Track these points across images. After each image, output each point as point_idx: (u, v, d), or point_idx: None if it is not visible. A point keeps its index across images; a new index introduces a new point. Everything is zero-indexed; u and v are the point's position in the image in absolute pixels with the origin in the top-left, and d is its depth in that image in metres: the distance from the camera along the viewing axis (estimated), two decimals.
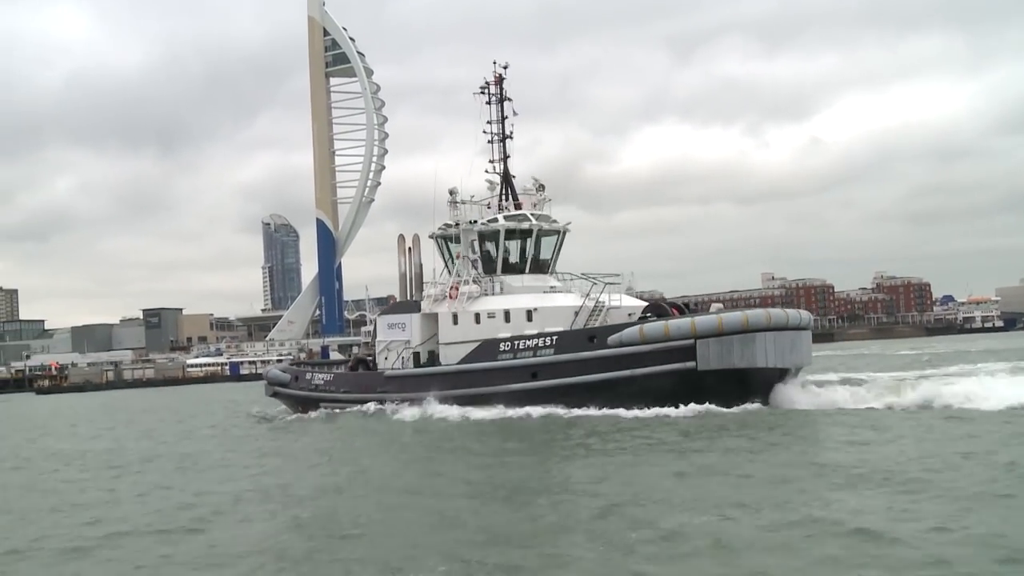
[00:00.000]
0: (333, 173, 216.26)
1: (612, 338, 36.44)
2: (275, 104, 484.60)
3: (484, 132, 46.04)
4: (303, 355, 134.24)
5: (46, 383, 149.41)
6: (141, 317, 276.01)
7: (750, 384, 34.36)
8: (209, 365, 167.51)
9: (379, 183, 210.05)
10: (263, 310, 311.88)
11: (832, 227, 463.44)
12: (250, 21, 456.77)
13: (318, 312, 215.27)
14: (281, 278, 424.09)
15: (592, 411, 35.47)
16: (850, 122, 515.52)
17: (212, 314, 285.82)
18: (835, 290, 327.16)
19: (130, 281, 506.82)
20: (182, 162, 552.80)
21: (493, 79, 45.97)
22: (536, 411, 36.76)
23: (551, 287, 42.63)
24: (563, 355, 37.64)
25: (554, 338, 38.30)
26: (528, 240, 43.34)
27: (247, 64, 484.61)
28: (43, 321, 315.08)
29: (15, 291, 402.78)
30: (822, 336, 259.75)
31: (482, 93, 46.13)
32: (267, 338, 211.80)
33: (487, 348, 40.40)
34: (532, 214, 43.69)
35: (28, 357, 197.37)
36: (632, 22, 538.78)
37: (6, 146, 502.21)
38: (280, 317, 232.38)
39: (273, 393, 53.48)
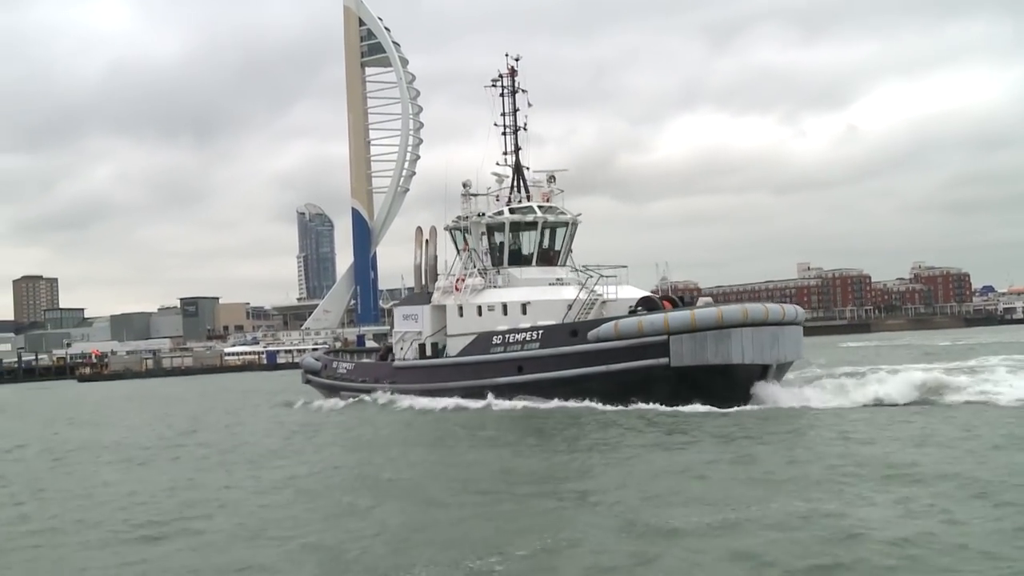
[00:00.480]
0: (368, 163, 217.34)
1: (591, 333, 36.12)
2: (310, 94, 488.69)
3: (496, 125, 46.23)
4: (338, 344, 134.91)
5: (87, 371, 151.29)
6: (179, 306, 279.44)
7: (726, 381, 33.48)
8: (246, 354, 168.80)
9: (414, 173, 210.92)
10: (298, 299, 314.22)
11: (869, 217, 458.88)
12: (287, 11, 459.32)
13: (353, 301, 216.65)
14: (316, 267, 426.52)
15: (571, 404, 35.31)
16: (888, 110, 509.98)
17: (248, 303, 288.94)
18: (872, 280, 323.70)
19: (166, 269, 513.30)
20: (218, 151, 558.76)
21: (507, 71, 46.10)
22: (502, 404, 37.25)
23: (557, 279, 42.29)
24: (546, 349, 37.52)
25: (540, 332, 38.19)
26: (533, 232, 43.25)
27: (283, 54, 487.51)
28: (83, 309, 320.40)
29: (55, 280, 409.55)
30: (858, 327, 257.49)
31: (494, 85, 46.29)
32: (303, 327, 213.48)
33: (482, 341, 40.65)
34: (539, 206, 43.60)
35: (69, 345, 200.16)
36: (668, 10, 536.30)
37: (48, 136, 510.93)
38: (315, 306, 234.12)
39: (307, 380, 55.49)
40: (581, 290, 40.01)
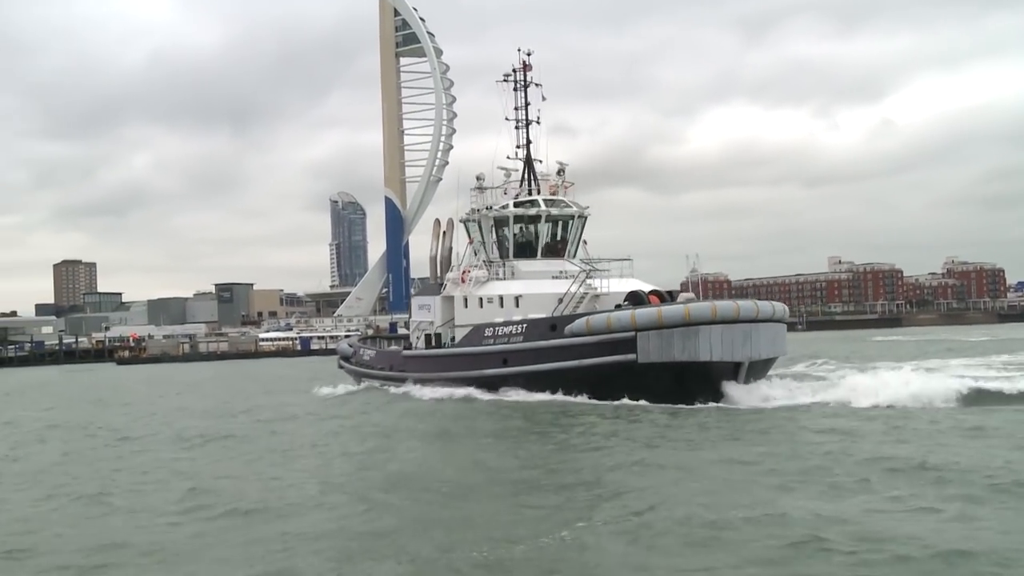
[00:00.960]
0: (402, 152, 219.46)
1: (567, 328, 36.46)
2: (345, 83, 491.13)
3: (507, 119, 46.53)
4: (370, 331, 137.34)
5: (126, 354, 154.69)
6: (214, 292, 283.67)
7: (694, 378, 33.33)
8: (281, 340, 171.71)
9: (447, 162, 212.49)
10: (331, 286, 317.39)
11: (902, 211, 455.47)
12: (324, 1, 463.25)
13: (385, 289, 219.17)
14: (348, 255, 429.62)
15: (555, 397, 35.97)
16: (924, 103, 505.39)
17: (282, 290, 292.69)
18: (904, 275, 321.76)
19: (201, 256, 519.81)
20: (253, 140, 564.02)
21: (520, 66, 46.39)
22: (459, 392, 38.89)
23: (561, 272, 42.08)
24: (528, 343, 38.07)
25: (524, 326, 38.67)
26: (537, 225, 43.59)
27: (319, 44, 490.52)
28: (121, 294, 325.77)
29: (94, 264, 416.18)
30: (889, 321, 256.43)
31: (506, 80, 46.62)
32: (335, 314, 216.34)
33: (476, 333, 41.56)
34: (545, 199, 43.87)
35: (107, 329, 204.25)
36: (703, 2, 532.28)
37: (89, 124, 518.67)
38: (347, 294, 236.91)
39: (340, 365, 57.67)
40: (573, 283, 40.12)
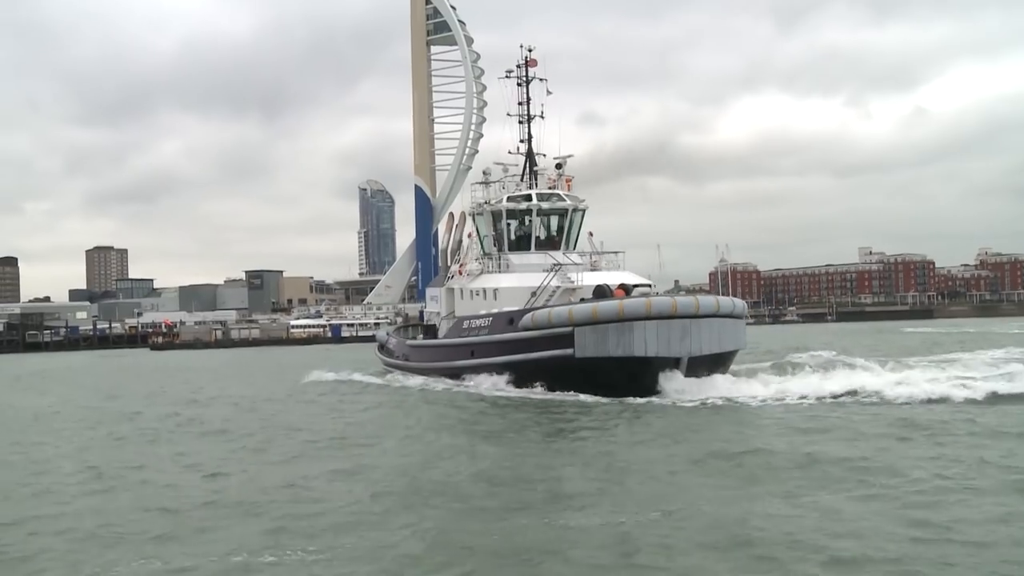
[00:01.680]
0: (432, 141, 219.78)
1: (520, 322, 37.01)
2: (375, 71, 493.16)
3: (509, 114, 47.10)
4: (399, 319, 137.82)
5: (159, 340, 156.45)
6: (244, 278, 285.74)
7: (629, 373, 33.54)
8: (312, 327, 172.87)
9: (476, 151, 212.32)
10: (360, 274, 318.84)
11: (934, 201, 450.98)
12: None
13: (415, 277, 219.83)
14: (376, 243, 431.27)
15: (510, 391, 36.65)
16: (960, 92, 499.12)
17: (312, 277, 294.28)
18: (936, 266, 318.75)
19: (230, 243, 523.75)
20: (283, 128, 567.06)
21: (523, 62, 46.79)
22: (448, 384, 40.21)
23: (554, 265, 41.90)
24: (491, 336, 38.93)
25: (490, 319, 39.50)
26: (528, 218, 43.73)
27: (351, 32, 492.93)
28: (152, 280, 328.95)
29: (125, 250, 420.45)
30: (920, 313, 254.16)
31: (508, 76, 47.12)
32: (364, 301, 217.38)
33: (456, 325, 42.64)
34: (539, 193, 44.07)
35: (140, 315, 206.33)
36: None
37: (121, 111, 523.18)
38: (376, 281, 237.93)
39: (378, 354, 58.87)
40: (547, 277, 40.45)
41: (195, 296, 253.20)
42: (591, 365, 34.34)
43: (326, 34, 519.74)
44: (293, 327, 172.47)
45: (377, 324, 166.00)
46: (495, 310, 40.17)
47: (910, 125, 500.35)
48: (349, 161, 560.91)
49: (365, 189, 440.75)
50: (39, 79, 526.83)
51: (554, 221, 44.12)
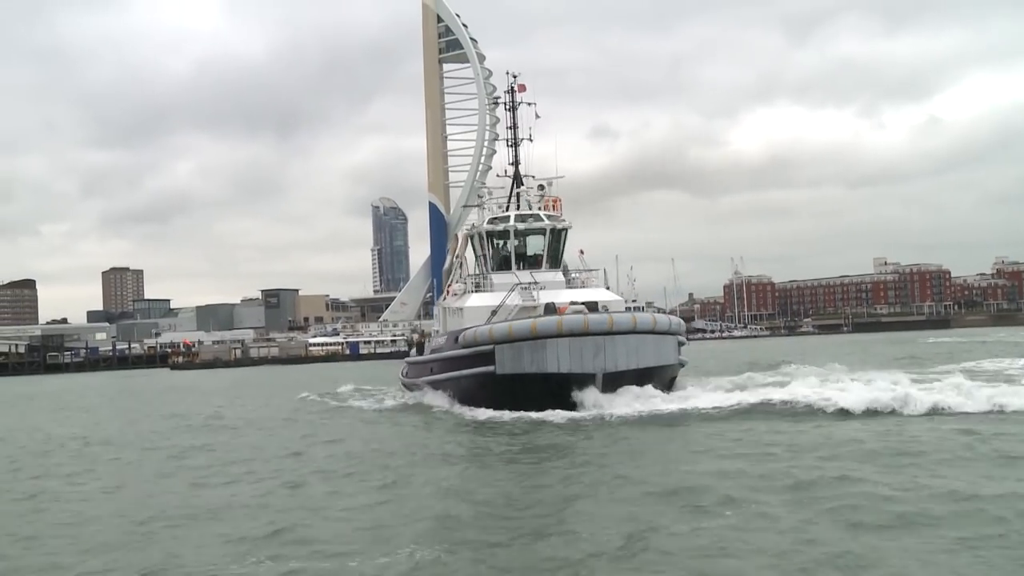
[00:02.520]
0: (445, 158, 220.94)
1: (459, 340, 38.33)
2: (388, 89, 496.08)
3: (498, 138, 49.10)
4: (415, 336, 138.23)
5: (179, 359, 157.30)
6: (260, 298, 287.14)
7: (545, 389, 34.41)
8: (330, 344, 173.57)
9: (490, 167, 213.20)
10: (375, 291, 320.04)
11: (949, 210, 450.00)
12: (368, 8, 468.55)
13: (430, 294, 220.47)
14: (390, 260, 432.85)
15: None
16: (973, 100, 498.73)
17: (328, 295, 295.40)
18: (952, 276, 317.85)
19: (243, 262, 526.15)
20: (296, 146, 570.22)
21: (515, 87, 48.27)
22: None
23: (530, 283, 42.29)
24: (443, 353, 40.63)
25: (445, 338, 41.44)
26: (507, 240, 44.43)
27: (363, 51, 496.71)
28: (169, 300, 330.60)
29: (141, 271, 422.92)
30: (937, 323, 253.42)
31: (496, 103, 49.01)
32: (380, 319, 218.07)
33: (431, 344, 45.19)
34: (516, 215, 45.00)
35: (158, 335, 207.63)
36: (749, 2, 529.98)
37: (136, 132, 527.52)
38: (391, 299, 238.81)
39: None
40: (508, 295, 41.36)
41: (212, 315, 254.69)
42: (511, 381, 35.39)
43: (339, 53, 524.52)
44: (312, 345, 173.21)
45: (394, 341, 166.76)
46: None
47: (924, 135, 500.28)
48: (361, 179, 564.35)
49: (378, 207, 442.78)
50: (57, 103, 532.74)
51: (534, 241, 44.85)
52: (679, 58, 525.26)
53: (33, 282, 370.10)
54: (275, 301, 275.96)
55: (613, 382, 34.63)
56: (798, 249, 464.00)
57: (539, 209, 45.98)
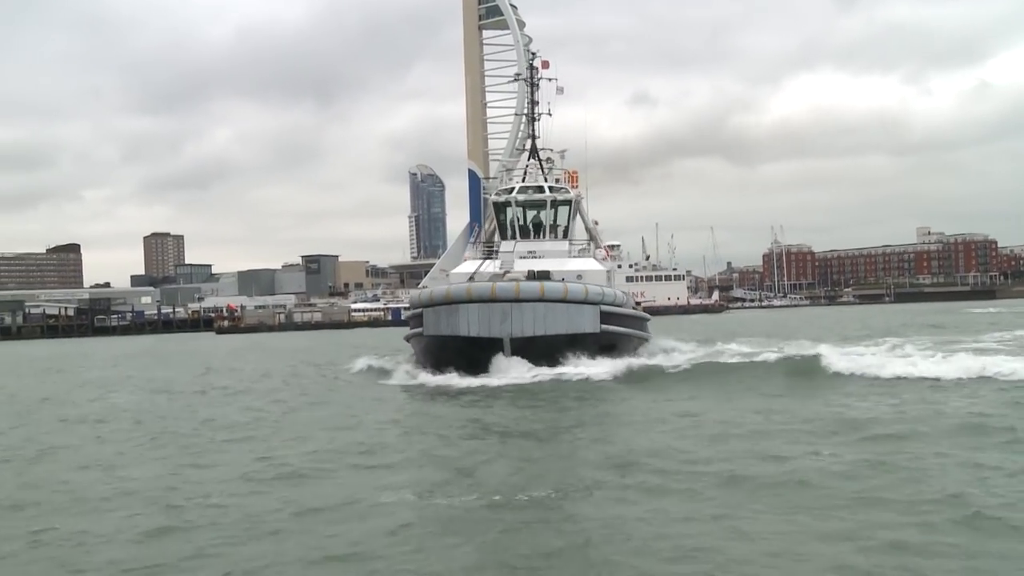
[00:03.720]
0: (485, 125, 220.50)
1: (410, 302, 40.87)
2: (429, 55, 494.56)
3: (516, 114, 51.33)
4: None
5: (225, 324, 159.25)
6: (301, 263, 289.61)
7: (461, 351, 36.40)
8: (372, 310, 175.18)
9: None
10: (412, 258, 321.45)
11: (996, 178, 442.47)
12: None
13: None
14: (427, 227, 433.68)
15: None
16: None
17: (368, 261, 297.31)
18: (998, 245, 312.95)
19: (280, 229, 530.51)
20: (335, 113, 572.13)
21: (540, 64, 51.04)
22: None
23: (529, 251, 44.65)
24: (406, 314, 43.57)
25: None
26: (510, 209, 46.06)
27: (404, 16, 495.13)
28: (211, 265, 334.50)
29: (182, 237, 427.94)
30: (982, 293, 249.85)
31: (517, 79, 50.74)
32: (419, 285, 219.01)
33: None
34: (520, 187, 46.64)
35: (202, 299, 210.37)
36: None
37: (178, 99, 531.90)
38: (430, 265, 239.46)
39: None
40: (482, 263, 43.67)
41: (254, 280, 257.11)
42: (435, 343, 38.02)
43: (379, 20, 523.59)
44: (354, 310, 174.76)
45: None
46: None
47: (973, 100, 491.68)
48: (398, 146, 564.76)
49: (415, 174, 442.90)
50: (102, 70, 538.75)
51: (536, 213, 46.62)
52: (722, 24, 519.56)
53: (78, 246, 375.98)
54: (316, 267, 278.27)
55: (524, 348, 36.16)
56: (839, 218, 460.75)
57: (556, 181, 47.74)
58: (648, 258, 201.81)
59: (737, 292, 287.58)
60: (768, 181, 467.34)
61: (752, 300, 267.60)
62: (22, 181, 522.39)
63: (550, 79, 50.64)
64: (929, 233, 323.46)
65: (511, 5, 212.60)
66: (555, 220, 46.37)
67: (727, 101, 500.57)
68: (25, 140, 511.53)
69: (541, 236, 45.94)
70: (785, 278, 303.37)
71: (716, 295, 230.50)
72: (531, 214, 46.52)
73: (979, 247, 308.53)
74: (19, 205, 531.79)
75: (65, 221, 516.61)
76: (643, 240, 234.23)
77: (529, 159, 49.47)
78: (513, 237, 46.03)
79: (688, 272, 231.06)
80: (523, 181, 47.75)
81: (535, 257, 43.92)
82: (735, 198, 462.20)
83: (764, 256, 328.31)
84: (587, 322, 37.99)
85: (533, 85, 50.58)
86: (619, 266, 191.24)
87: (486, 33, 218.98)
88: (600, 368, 34.98)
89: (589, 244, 47.71)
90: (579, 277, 41.06)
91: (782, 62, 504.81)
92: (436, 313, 37.63)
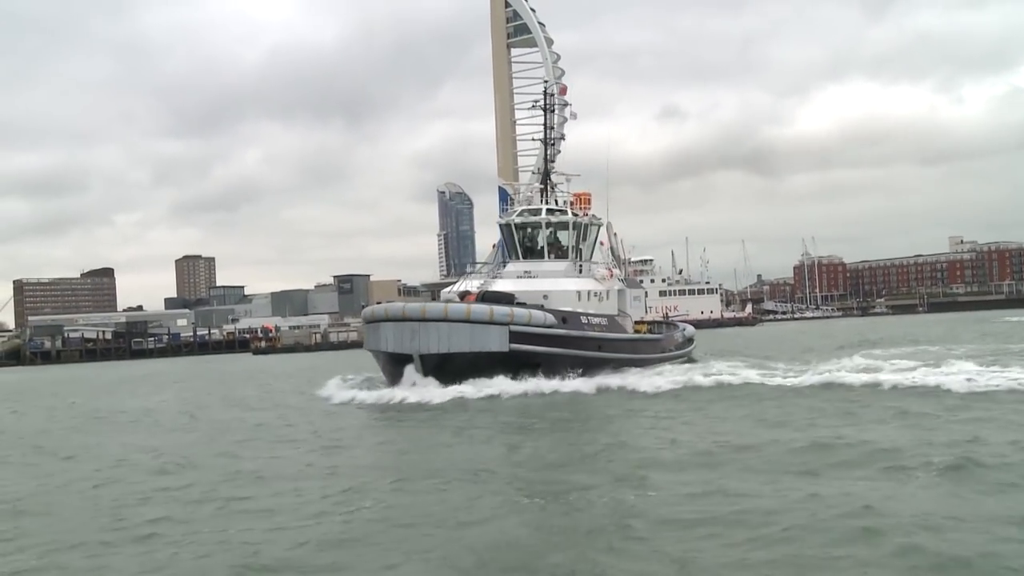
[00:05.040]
0: (514, 142, 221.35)
1: None
2: (458, 74, 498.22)
3: (534, 139, 56.18)
4: None
5: (262, 344, 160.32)
6: (333, 283, 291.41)
7: (383, 365, 41.88)
8: None
9: (559, 151, 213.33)
10: (442, 276, 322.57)
11: None
12: None
13: None
14: (456, 245, 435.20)
15: None
16: None
17: (400, 280, 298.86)
18: None
19: (308, 249, 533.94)
20: (365, 133, 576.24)
21: (559, 91, 52.55)
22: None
23: (525, 272, 47.75)
24: None
25: None
26: (516, 231, 49.01)
27: (434, 36, 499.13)
28: (243, 287, 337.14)
29: (213, 259, 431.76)
30: (1018, 302, 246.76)
31: (534, 106, 56.00)
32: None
33: None
34: (523, 210, 49.73)
35: (236, 321, 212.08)
36: None
37: (208, 122, 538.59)
38: None
39: None
40: (462, 281, 48.51)
41: (287, 301, 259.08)
42: (374, 357, 42.82)
43: (409, 40, 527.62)
44: None
45: None
46: None
47: (1005, 107, 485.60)
48: (426, 164, 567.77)
49: (444, 192, 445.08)
50: (134, 94, 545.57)
51: (538, 234, 49.23)
52: (750, 37, 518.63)
53: (112, 271, 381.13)
54: (348, 287, 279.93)
55: (439, 366, 39.31)
56: (869, 229, 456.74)
57: (565, 203, 50.42)
58: (681, 272, 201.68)
59: (768, 305, 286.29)
60: (797, 193, 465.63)
61: (784, 312, 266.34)
62: (53, 206, 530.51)
63: (565, 104, 53.62)
64: (961, 242, 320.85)
65: (539, 23, 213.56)
66: (557, 241, 49.19)
67: (755, 113, 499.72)
68: (57, 165, 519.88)
69: (543, 257, 48.80)
70: (817, 290, 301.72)
71: (750, 308, 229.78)
72: (536, 236, 49.25)
73: (1013, 255, 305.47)
74: (50, 230, 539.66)
75: (95, 245, 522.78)
76: (673, 254, 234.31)
77: (542, 183, 51.92)
78: (516, 257, 49.19)
79: (720, 285, 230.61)
80: (530, 204, 50.97)
81: (531, 277, 46.99)
82: (763, 210, 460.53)
83: (795, 268, 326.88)
84: (493, 341, 39.95)
85: (547, 111, 53.09)
86: (651, 280, 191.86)
87: (514, 51, 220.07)
88: (510, 387, 37.44)
89: (593, 264, 49.68)
90: (579, 296, 45.52)
91: (811, 73, 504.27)
92: (367, 330, 42.76)
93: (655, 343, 51.27)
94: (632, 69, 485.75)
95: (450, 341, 39.68)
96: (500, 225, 49.97)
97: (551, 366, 40.03)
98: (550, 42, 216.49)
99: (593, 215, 50.80)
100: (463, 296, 44.38)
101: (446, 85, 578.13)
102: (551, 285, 45.93)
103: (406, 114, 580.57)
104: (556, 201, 50.36)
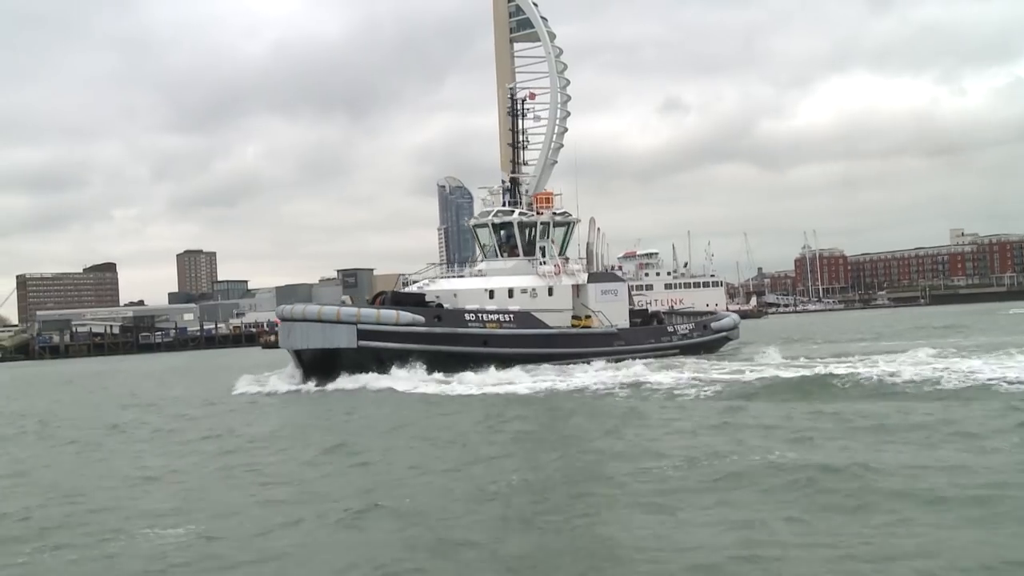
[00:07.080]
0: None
1: None
2: (460, 68, 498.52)
3: (508, 144, 59.45)
4: None
5: (272, 338, 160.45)
6: (337, 277, 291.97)
7: (295, 360, 46.10)
8: None
9: (561, 145, 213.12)
10: (443, 270, 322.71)
11: None
12: None
13: None
14: (456, 239, 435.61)
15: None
16: None
17: (403, 274, 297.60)
18: None
19: (308, 243, 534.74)
20: (367, 127, 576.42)
21: (512, 99, 60.35)
22: None
23: (478, 271, 52.52)
24: None
25: None
26: (484, 231, 54.00)
27: (437, 30, 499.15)
28: (247, 281, 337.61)
29: (214, 253, 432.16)
30: (1019, 294, 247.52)
31: (509, 115, 60.79)
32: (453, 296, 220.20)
33: None
34: (483, 211, 54.75)
35: (242, 315, 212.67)
36: None
37: (211, 117, 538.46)
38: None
39: None
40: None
41: (291, 295, 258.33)
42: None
43: (413, 34, 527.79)
44: None
45: None
46: None
47: (1007, 98, 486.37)
48: (426, 158, 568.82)
49: (444, 186, 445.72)
50: (137, 89, 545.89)
51: (497, 234, 53.58)
52: (753, 29, 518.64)
53: (114, 265, 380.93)
54: (352, 280, 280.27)
55: (309, 359, 44.57)
56: (870, 221, 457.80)
57: (527, 206, 54.44)
58: (686, 265, 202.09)
59: (769, 297, 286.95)
60: (798, 185, 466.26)
61: (786, 305, 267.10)
62: (53, 201, 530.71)
63: (527, 110, 61.67)
64: (962, 234, 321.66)
65: (541, 17, 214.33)
66: (509, 240, 53.10)
67: (757, 106, 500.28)
68: (58, 160, 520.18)
69: (507, 255, 52.79)
70: (818, 282, 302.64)
71: (754, 300, 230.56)
72: (502, 235, 53.38)
73: (1014, 247, 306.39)
74: (50, 225, 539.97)
75: (95, 240, 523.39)
76: (674, 247, 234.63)
77: (512, 185, 56.14)
78: (484, 257, 53.70)
79: (721, 280, 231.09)
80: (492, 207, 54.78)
81: (492, 274, 51.14)
82: (764, 203, 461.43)
83: (796, 261, 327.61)
84: (342, 338, 44.15)
85: (514, 117, 58.50)
86: (657, 274, 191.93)
87: (517, 45, 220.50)
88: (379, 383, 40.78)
89: (540, 262, 52.33)
90: (527, 292, 49.43)
91: (814, 65, 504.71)
92: (283, 327, 47.54)
93: (582, 338, 50.30)
94: (635, 62, 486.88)
95: (308, 338, 44.87)
96: (472, 227, 54.39)
97: (407, 362, 43.25)
98: (553, 36, 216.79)
99: (566, 212, 53.94)
100: (374, 299, 50.02)
101: (449, 79, 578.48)
102: (521, 282, 50.08)
103: (409, 108, 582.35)
104: (520, 201, 54.16)
